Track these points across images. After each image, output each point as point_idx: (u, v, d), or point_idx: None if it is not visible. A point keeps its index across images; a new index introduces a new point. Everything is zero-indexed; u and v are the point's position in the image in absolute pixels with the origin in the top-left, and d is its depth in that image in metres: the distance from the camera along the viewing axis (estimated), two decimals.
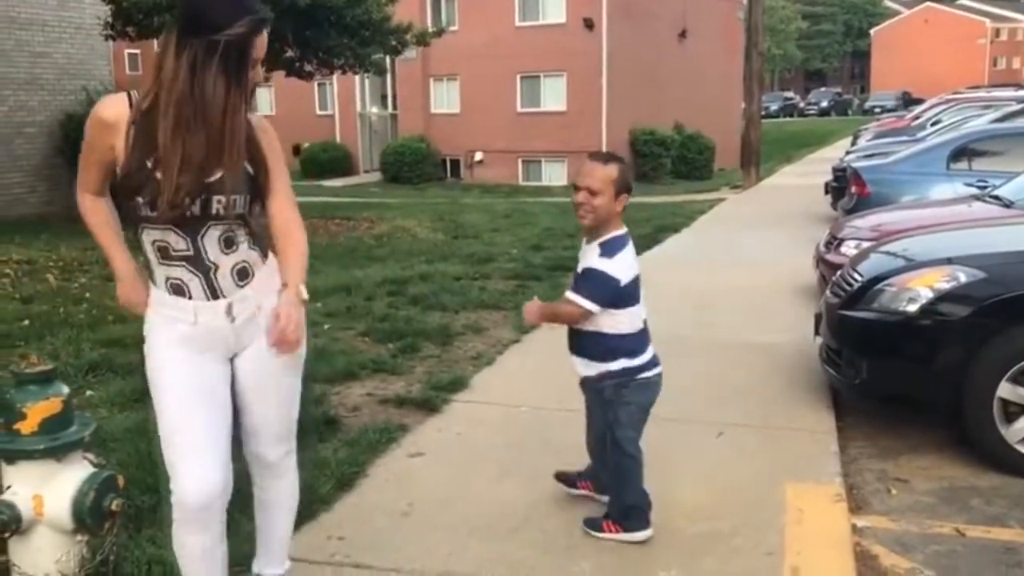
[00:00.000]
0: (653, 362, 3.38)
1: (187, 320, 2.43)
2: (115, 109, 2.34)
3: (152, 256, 2.42)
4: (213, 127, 2.29)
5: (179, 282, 2.42)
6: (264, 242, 2.55)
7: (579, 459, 3.99)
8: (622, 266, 3.24)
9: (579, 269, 3.33)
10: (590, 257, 3.28)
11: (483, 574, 3.17)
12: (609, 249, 3.25)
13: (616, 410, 3.34)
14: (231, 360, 2.56)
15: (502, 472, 4.07)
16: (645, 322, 3.37)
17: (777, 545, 3.37)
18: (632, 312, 3.30)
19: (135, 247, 2.51)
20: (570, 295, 3.25)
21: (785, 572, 3.18)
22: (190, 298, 2.43)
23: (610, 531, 3.41)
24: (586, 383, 3.44)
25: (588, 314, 3.22)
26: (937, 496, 3.97)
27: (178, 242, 2.38)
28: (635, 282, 3.29)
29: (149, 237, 2.39)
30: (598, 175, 3.22)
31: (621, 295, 3.25)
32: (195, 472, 2.43)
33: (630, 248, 3.32)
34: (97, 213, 2.52)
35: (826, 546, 3.39)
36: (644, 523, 3.39)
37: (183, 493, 2.44)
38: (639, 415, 3.38)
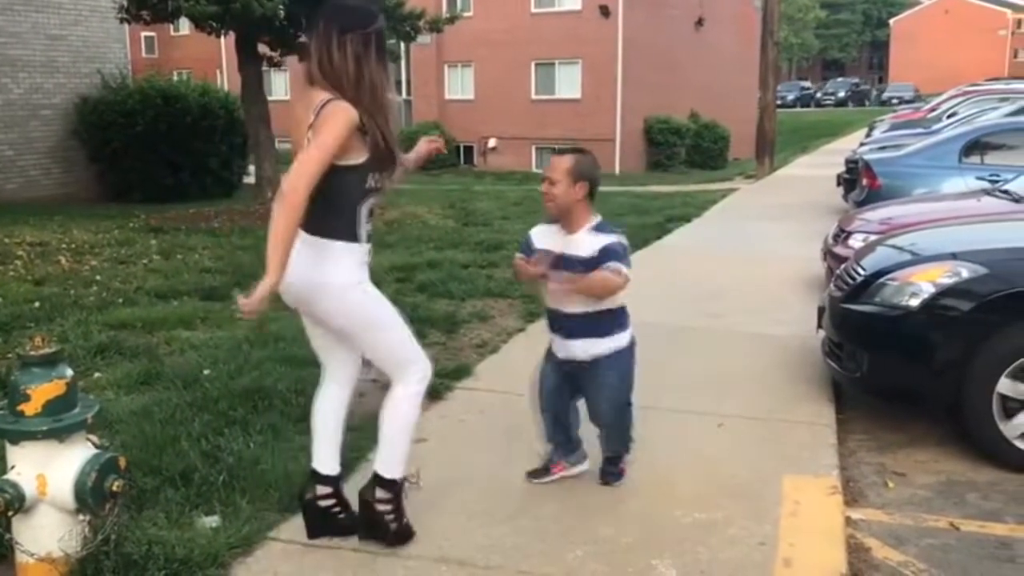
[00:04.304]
0: None
1: (368, 260, 3.13)
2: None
3: (364, 217, 3.05)
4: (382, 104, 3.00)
5: (371, 231, 3.11)
6: None
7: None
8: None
9: (569, 252, 3.50)
10: (590, 241, 3.48)
11: (478, 559, 3.21)
12: (606, 228, 3.53)
13: (628, 377, 3.70)
14: None
15: (502, 459, 4.11)
16: None
17: (771, 536, 3.40)
18: None
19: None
20: (617, 265, 3.39)
21: (777, 563, 3.21)
22: (370, 242, 3.13)
23: (624, 469, 3.86)
24: (597, 362, 3.61)
25: (624, 284, 3.44)
26: (934, 490, 3.99)
27: (380, 202, 3.15)
28: None
29: (369, 202, 3.06)
30: (557, 166, 3.53)
31: None
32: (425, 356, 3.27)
33: None
34: (282, 207, 2.82)
35: (820, 538, 3.42)
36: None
37: (429, 366, 3.26)
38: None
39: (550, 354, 3.80)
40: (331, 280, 3.02)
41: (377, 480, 3.25)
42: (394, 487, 3.26)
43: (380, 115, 2.98)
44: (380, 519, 3.25)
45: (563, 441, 3.88)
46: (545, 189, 3.53)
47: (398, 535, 3.27)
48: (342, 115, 2.87)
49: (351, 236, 3.04)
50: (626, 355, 3.67)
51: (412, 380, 3.21)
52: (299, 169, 2.82)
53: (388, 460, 3.24)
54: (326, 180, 2.87)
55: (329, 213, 2.97)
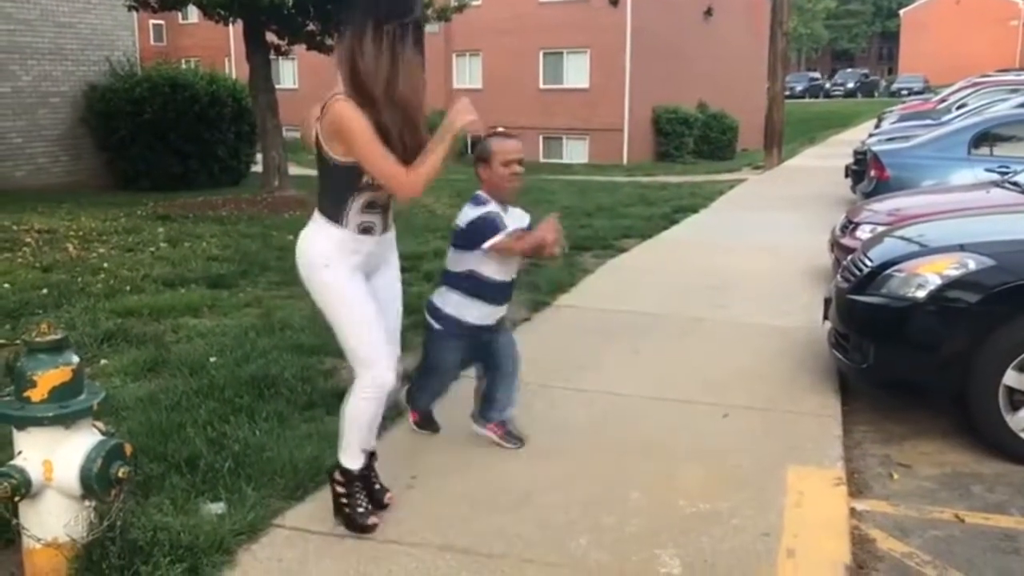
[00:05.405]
0: None
1: (363, 251, 3.17)
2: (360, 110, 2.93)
3: (356, 209, 3.11)
4: (413, 98, 3.06)
5: (370, 224, 3.16)
6: None
7: (582, 437, 4.04)
8: None
9: (520, 225, 3.99)
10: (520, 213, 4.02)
11: (481, 548, 3.22)
12: None
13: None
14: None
15: (505, 448, 4.11)
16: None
17: (775, 527, 3.40)
18: None
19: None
20: None
21: (781, 553, 3.21)
22: (372, 235, 3.18)
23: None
24: (504, 318, 4.08)
25: None
26: (939, 482, 3.98)
27: (384, 197, 3.16)
28: None
29: (365, 197, 3.10)
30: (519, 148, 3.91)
31: None
32: (390, 361, 3.23)
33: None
34: (421, 171, 3.05)
35: (824, 529, 3.41)
36: None
37: (384, 377, 3.19)
38: None
39: (462, 332, 3.92)
40: (304, 251, 3.19)
41: (337, 463, 3.39)
42: (347, 475, 3.35)
43: (403, 115, 3.03)
44: (335, 499, 3.38)
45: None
46: (519, 171, 3.83)
47: (346, 523, 3.34)
48: (349, 120, 2.94)
49: (335, 219, 3.13)
50: None
51: (363, 383, 3.24)
52: (384, 172, 3.01)
53: (341, 448, 3.36)
54: (328, 170, 3.07)
55: (323, 193, 3.17)
